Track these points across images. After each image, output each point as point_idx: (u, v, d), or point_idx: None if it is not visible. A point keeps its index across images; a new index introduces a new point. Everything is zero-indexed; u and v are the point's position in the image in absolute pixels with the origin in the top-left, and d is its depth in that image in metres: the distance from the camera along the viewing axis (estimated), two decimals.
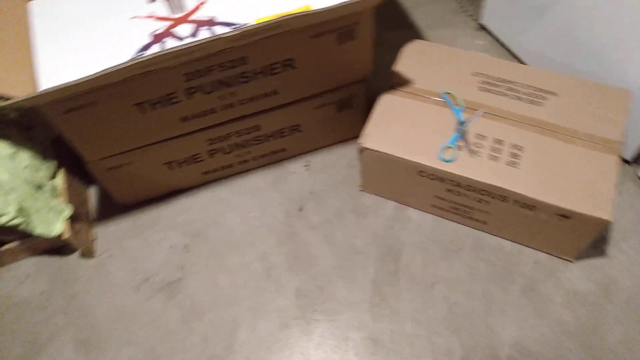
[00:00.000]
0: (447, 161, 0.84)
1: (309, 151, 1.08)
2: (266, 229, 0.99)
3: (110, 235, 1.01)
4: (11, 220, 0.83)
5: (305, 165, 1.07)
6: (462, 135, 0.86)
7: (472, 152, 0.85)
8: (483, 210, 0.88)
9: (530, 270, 0.91)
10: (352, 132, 1.06)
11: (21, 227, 0.85)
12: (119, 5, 0.86)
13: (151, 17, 0.83)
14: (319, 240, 0.97)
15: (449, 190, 0.88)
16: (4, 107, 0.69)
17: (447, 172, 0.83)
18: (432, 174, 0.86)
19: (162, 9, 0.85)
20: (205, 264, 0.96)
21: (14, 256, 0.97)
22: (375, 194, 1.01)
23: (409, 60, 0.97)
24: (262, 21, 0.79)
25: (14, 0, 0.85)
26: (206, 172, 1.02)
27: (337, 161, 1.07)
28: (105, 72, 0.68)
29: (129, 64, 0.68)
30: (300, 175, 1.06)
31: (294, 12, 0.79)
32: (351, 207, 1.00)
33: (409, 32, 1.27)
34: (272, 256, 0.96)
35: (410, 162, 0.85)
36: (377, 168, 0.92)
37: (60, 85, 0.67)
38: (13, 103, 0.66)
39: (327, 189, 1.03)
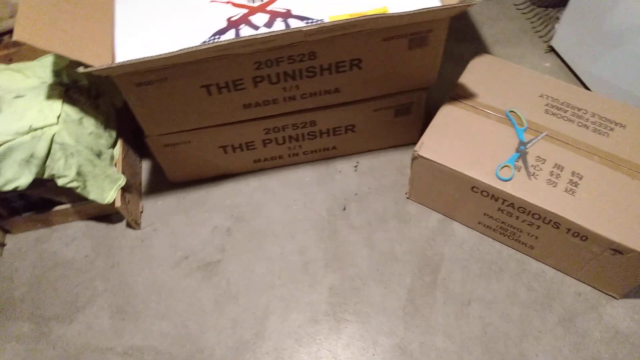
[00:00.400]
0: (503, 180, 0.82)
1: (359, 152, 1.08)
2: (308, 223, 1.00)
3: (157, 209, 1.03)
4: (69, 182, 0.86)
5: (354, 166, 1.07)
6: (521, 155, 0.85)
7: (530, 174, 0.83)
8: (532, 234, 0.87)
9: (571, 301, 0.89)
10: (405, 138, 1.06)
11: (77, 190, 0.88)
12: None
13: (229, 2, 0.85)
14: (359, 241, 0.97)
15: (500, 210, 0.86)
16: (83, 74, 0.71)
17: (502, 191, 0.82)
18: (485, 191, 0.84)
19: None
20: (244, 249, 0.97)
21: (63, 218, 1.00)
22: (421, 204, 1.00)
23: (476, 73, 0.96)
24: (336, 19, 0.79)
25: None
26: (257, 161, 1.03)
27: (386, 166, 1.06)
28: (181, 52, 0.69)
29: (205, 47, 0.69)
30: (347, 175, 1.06)
31: (370, 14, 0.80)
32: (395, 213, 1.00)
33: (476, 45, 1.26)
34: (310, 250, 0.96)
35: (466, 176, 0.84)
36: (429, 178, 0.91)
37: (136, 59, 0.69)
38: (93, 71, 0.68)
39: (373, 192, 1.03)
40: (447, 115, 0.91)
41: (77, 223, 1.02)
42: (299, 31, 0.70)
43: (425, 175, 0.91)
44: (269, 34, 0.69)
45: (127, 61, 0.70)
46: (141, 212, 1.02)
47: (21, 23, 0.69)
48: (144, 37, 0.81)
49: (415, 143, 1.03)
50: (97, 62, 0.74)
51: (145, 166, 1.10)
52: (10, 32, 1.01)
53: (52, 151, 0.83)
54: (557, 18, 1.24)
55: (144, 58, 0.70)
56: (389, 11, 0.82)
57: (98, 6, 0.83)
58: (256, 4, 0.85)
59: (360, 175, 1.05)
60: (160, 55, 0.69)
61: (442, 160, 0.86)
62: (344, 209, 1.01)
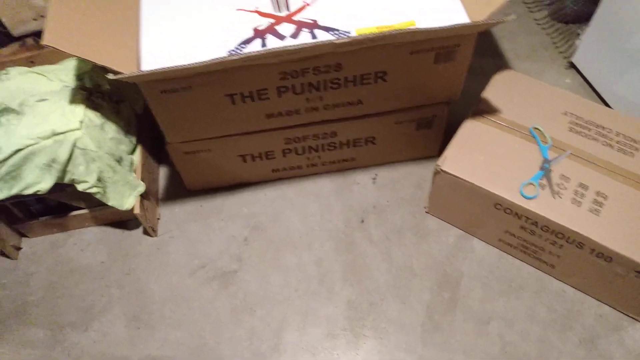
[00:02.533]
0: (528, 198, 0.82)
1: (377, 164, 1.07)
2: (325, 234, 0.99)
3: (174, 216, 1.03)
4: (90, 188, 0.85)
5: (372, 178, 1.06)
6: (546, 173, 0.84)
7: (555, 193, 0.82)
8: (554, 253, 0.86)
9: (593, 322, 0.87)
10: (425, 151, 1.05)
11: (97, 196, 0.87)
12: None
13: (256, 11, 0.85)
14: (377, 255, 0.96)
15: (523, 228, 0.85)
16: (105, 78, 0.71)
17: (526, 209, 0.81)
18: (509, 209, 0.84)
19: (267, 5, 0.86)
20: (261, 259, 0.96)
21: (80, 223, 1.00)
22: (441, 218, 0.99)
23: (499, 88, 0.96)
24: (363, 32, 0.79)
25: None
26: (275, 170, 1.03)
27: (405, 179, 1.05)
28: (212, 62, 0.69)
29: (235, 58, 0.69)
30: (365, 187, 1.05)
31: (398, 27, 0.80)
32: (413, 227, 0.99)
33: (496, 60, 1.25)
34: (327, 262, 0.95)
35: (489, 192, 0.83)
36: (450, 193, 0.90)
37: (165, 68, 0.69)
38: (122, 78, 0.68)
39: (391, 205, 1.02)
40: (471, 130, 0.91)
41: (93, 228, 1.02)
42: (329, 43, 0.69)
43: (447, 190, 0.91)
44: (300, 46, 0.69)
45: (157, 70, 0.70)
46: (158, 219, 1.02)
47: (50, 28, 0.69)
48: (169, 43, 0.81)
49: (434, 157, 1.04)
50: (123, 67, 0.74)
51: (162, 172, 1.09)
52: (32, 34, 1.01)
53: (73, 156, 0.82)
54: (578, 34, 1.23)
55: (173, 67, 0.70)
56: (417, 25, 0.81)
57: (124, 12, 0.82)
58: (283, 14, 0.84)
59: (379, 188, 1.05)
60: (189, 65, 0.69)
61: (465, 176, 0.85)
62: (362, 222, 1.00)
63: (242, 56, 0.68)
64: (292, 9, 0.85)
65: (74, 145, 0.81)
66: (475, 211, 0.90)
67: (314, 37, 0.81)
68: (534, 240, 0.86)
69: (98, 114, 0.87)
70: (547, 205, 0.81)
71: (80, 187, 0.85)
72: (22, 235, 1.00)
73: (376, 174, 1.07)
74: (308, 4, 0.85)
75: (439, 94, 0.91)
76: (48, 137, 0.80)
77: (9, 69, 0.91)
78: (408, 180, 1.05)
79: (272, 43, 0.80)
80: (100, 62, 0.72)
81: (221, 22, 0.83)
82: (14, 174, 0.82)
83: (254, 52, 0.68)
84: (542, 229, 0.83)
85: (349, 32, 0.81)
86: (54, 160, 0.82)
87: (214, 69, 0.72)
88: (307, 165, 1.03)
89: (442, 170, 0.86)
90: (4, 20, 0.95)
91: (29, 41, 1.00)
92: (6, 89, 0.88)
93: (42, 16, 0.97)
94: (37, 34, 1.01)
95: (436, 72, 0.85)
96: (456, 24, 0.71)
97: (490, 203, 0.85)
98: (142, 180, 0.95)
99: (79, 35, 0.72)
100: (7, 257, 0.98)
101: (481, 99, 0.94)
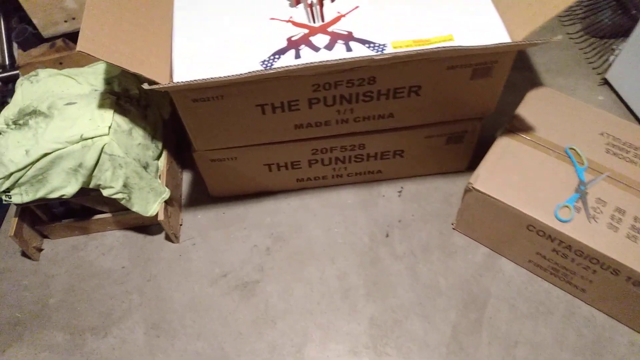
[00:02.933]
0: (562, 221, 0.79)
1: (404, 177, 1.05)
2: (349, 247, 0.97)
3: (197, 223, 1.01)
4: (115, 193, 0.84)
5: (398, 191, 1.04)
6: (581, 196, 0.81)
7: (590, 217, 0.80)
8: (586, 278, 0.83)
9: (624, 351, 0.84)
10: (454, 166, 1.03)
11: (122, 202, 0.86)
12: (260, 3, 0.86)
13: (290, 21, 0.83)
14: (402, 271, 0.94)
15: (555, 251, 0.83)
16: (134, 83, 0.69)
17: (561, 232, 0.79)
18: (542, 231, 0.81)
19: (301, 15, 0.84)
20: (284, 270, 0.95)
21: (102, 227, 0.99)
22: (468, 236, 0.97)
23: (533, 106, 0.93)
24: (399, 45, 0.77)
25: None
26: (300, 180, 1.01)
27: (432, 193, 1.03)
28: (247, 76, 0.67)
29: (272, 72, 0.67)
30: (391, 200, 1.03)
31: (436, 41, 0.78)
32: (440, 244, 0.97)
33: (528, 74, 1.22)
34: (351, 277, 0.94)
35: (522, 213, 0.81)
36: (480, 211, 0.88)
37: (200, 80, 0.67)
38: (157, 88, 0.67)
39: (417, 220, 1.00)
40: (504, 148, 0.88)
41: (115, 232, 1.01)
42: (368, 59, 0.67)
43: (477, 208, 0.88)
44: (336, 62, 0.67)
45: (192, 82, 0.69)
46: (181, 224, 1.01)
47: (85, 34, 0.68)
48: (202, 52, 0.80)
49: (463, 171, 1.01)
50: (156, 76, 0.73)
51: (185, 178, 1.08)
52: (62, 36, 1.01)
53: (100, 162, 0.82)
54: (613, 50, 1.20)
55: (207, 80, 0.68)
56: (455, 39, 0.79)
57: (157, 19, 0.81)
58: (317, 25, 0.83)
59: (405, 201, 1.03)
60: (223, 78, 0.68)
61: (498, 195, 0.83)
62: (387, 236, 0.98)
63: (277, 71, 0.66)
64: (327, 19, 0.83)
65: (102, 151, 0.81)
66: (505, 231, 0.88)
67: (348, 49, 0.79)
68: (566, 264, 0.84)
69: (126, 119, 0.86)
70: (582, 230, 0.78)
71: (105, 193, 0.84)
72: (44, 236, 1.00)
73: (402, 187, 1.05)
74: (343, 15, 0.83)
75: (473, 109, 0.89)
76: (76, 142, 0.80)
77: (38, 70, 0.91)
78: (435, 194, 1.03)
79: (306, 54, 0.79)
80: (134, 70, 0.71)
81: (254, 31, 0.82)
82: (40, 178, 0.82)
83: (290, 66, 0.67)
84: (575, 253, 0.80)
85: (384, 45, 0.79)
86: (80, 165, 0.81)
87: (247, 80, 0.71)
88: (333, 175, 1.01)
89: (474, 188, 0.84)
90: (35, 21, 0.95)
91: (59, 43, 1.00)
92: (35, 91, 0.87)
93: (73, 18, 0.96)
94: (67, 36, 1.00)
95: (472, 87, 0.83)
96: (498, 44, 0.69)
97: (523, 224, 0.83)
98: (167, 186, 0.94)
99: (113, 42, 0.71)
100: (29, 258, 0.98)
101: (515, 115, 0.92)
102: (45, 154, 0.79)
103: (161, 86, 0.67)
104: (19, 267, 0.98)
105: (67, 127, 0.81)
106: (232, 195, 1.04)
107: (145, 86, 0.67)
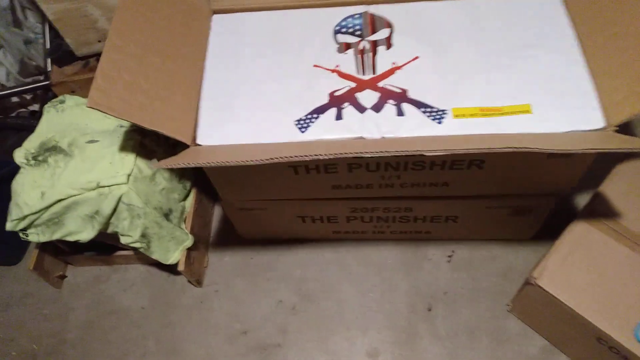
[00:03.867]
0: None
1: (456, 239, 0.92)
2: (384, 317, 0.86)
3: (222, 266, 0.94)
4: (133, 242, 0.78)
5: (448, 256, 0.91)
6: None
7: None
8: None
9: None
10: (516, 234, 0.89)
11: (140, 250, 0.80)
12: (305, 45, 0.75)
13: (336, 71, 0.71)
14: (442, 355, 0.82)
15: None
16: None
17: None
18: (615, 348, 0.67)
19: (350, 64, 0.72)
20: (309, 337, 0.86)
21: (125, 260, 0.94)
22: (525, 322, 0.83)
23: (623, 183, 0.77)
24: (462, 112, 0.64)
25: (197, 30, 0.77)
26: (336, 232, 0.91)
27: (488, 263, 0.90)
28: (274, 160, 0.56)
29: (293, 160, 0.56)
30: (438, 266, 0.91)
31: (509, 111, 0.64)
32: (490, 328, 0.84)
33: None
34: (383, 355, 0.83)
35: (593, 325, 0.67)
36: (542, 307, 0.75)
37: (219, 162, 0.57)
38: (172, 166, 0.58)
39: (467, 295, 0.87)
40: (580, 237, 0.73)
41: (138, 266, 0.96)
42: (416, 154, 0.55)
43: (539, 303, 0.75)
44: (373, 155, 0.55)
45: (211, 163, 0.59)
46: (205, 266, 0.94)
47: (98, 85, 0.60)
48: (231, 103, 0.70)
49: (526, 240, 0.88)
50: (178, 133, 0.65)
51: (217, 212, 1.01)
52: (96, 54, 0.95)
53: (118, 210, 0.75)
54: None
55: (226, 162, 0.57)
56: (532, 110, 0.65)
57: (185, 66, 0.72)
58: (367, 77, 0.70)
59: (454, 269, 0.90)
60: (243, 162, 0.57)
61: (565, 298, 0.69)
62: (429, 310, 0.86)
63: (303, 159, 0.55)
64: (379, 70, 0.71)
65: (119, 200, 0.74)
66: (570, 334, 0.74)
67: (399, 112, 0.67)
68: None
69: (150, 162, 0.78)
70: None
71: (123, 240, 0.78)
72: (68, 263, 0.97)
73: (453, 251, 0.92)
74: (398, 67, 0.71)
75: (547, 187, 0.74)
76: (92, 189, 0.73)
77: (66, 97, 0.85)
78: (491, 265, 0.90)
79: (350, 115, 0.67)
80: (153, 127, 0.63)
81: (294, 80, 0.71)
82: (56, 221, 0.77)
83: (319, 156, 0.55)
84: None
85: (444, 112, 0.66)
86: (97, 213, 0.75)
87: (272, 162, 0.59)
88: (374, 231, 0.90)
89: (537, 284, 0.71)
90: (68, 41, 0.89)
91: (92, 62, 0.94)
92: (59, 122, 0.82)
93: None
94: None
95: (548, 165, 0.68)
96: (585, 149, 0.54)
97: (592, 335, 0.69)
98: (192, 227, 0.87)
99: (131, 95, 0.63)
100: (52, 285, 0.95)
101: (597, 194, 0.76)
102: (60, 200, 0.73)
103: (176, 164, 0.58)
104: (41, 294, 0.95)
105: (85, 170, 0.74)
106: (263, 239, 0.96)
107: (154, 164, 0.58)
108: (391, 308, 0.87)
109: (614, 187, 0.77)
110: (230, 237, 0.97)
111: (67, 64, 0.94)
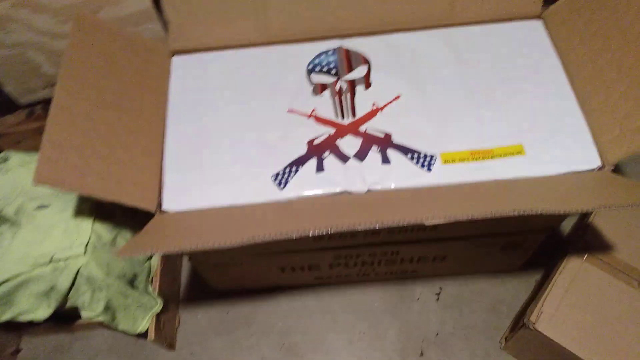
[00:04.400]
0: None
1: (443, 276, 0.89)
2: None
3: (196, 324, 0.87)
4: (96, 317, 0.70)
5: (436, 294, 0.87)
6: None
7: None
8: None
9: None
10: (506, 266, 0.86)
11: (104, 323, 0.72)
12: (276, 87, 0.68)
13: (312, 116, 0.65)
14: None
15: None
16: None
17: None
18: None
19: (327, 107, 0.66)
20: None
21: (89, 326, 0.85)
22: None
23: (611, 215, 0.75)
24: (451, 159, 0.60)
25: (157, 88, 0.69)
26: (319, 278, 0.85)
27: (477, 298, 0.86)
28: (229, 246, 0.49)
29: (263, 240, 0.49)
30: (427, 305, 0.86)
31: (500, 153, 0.60)
32: None
33: None
34: None
35: None
36: (539, 349, 0.71)
37: (191, 248, 0.50)
38: (142, 254, 0.51)
39: (459, 334, 0.83)
40: (574, 275, 0.71)
41: (103, 332, 0.87)
42: (417, 226, 0.50)
43: (535, 345, 0.72)
44: (372, 225, 0.49)
45: (178, 249, 0.50)
46: (177, 326, 0.86)
47: (46, 155, 0.52)
48: (199, 159, 0.63)
49: (515, 271, 0.85)
50: (140, 201, 0.57)
51: (185, 262, 0.93)
52: (42, 102, 0.85)
53: (76, 284, 0.67)
54: None
55: (197, 247, 0.50)
56: (525, 151, 0.61)
57: (144, 127, 0.64)
58: (347, 121, 0.65)
59: (444, 308, 0.86)
60: (210, 247, 0.49)
61: (565, 342, 0.66)
62: (421, 355, 0.82)
63: (288, 236, 0.49)
64: (359, 113, 0.66)
65: (77, 274, 0.66)
66: None
67: (385, 159, 0.62)
68: None
69: (109, 224, 0.70)
70: None
71: (84, 315, 0.70)
72: (23, 334, 0.87)
73: (440, 288, 0.88)
74: (380, 109, 0.66)
75: (539, 224, 0.71)
76: (45, 264, 0.65)
77: (8, 154, 0.76)
78: (480, 300, 0.86)
79: (332, 166, 0.62)
80: (112, 198, 0.55)
81: (267, 127, 0.65)
82: (4, 301, 0.67)
83: (307, 231, 0.49)
84: None
85: (432, 157, 0.61)
86: (52, 289, 0.66)
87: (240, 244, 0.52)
88: (357, 274, 0.85)
89: (535, 328, 0.67)
90: (7, 89, 0.79)
91: (38, 110, 0.84)
92: (3, 186, 0.72)
93: (52, 85, 0.80)
94: (48, 101, 0.84)
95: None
96: (594, 207, 0.50)
97: None
98: (161, 286, 0.79)
99: (83, 161, 0.55)
100: None
101: (588, 227, 0.74)
102: (8, 279, 0.65)
103: (139, 251, 0.50)
104: None
105: (36, 242, 0.66)
106: (238, 290, 0.89)
107: (117, 254, 0.51)
108: (382, 356, 0.82)
109: (604, 219, 0.75)
110: (202, 290, 0.89)
111: (9, 113, 0.84)
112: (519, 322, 0.78)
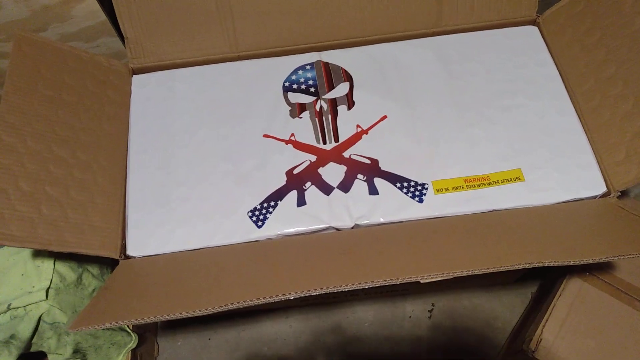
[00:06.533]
0: None
1: (436, 291, 0.85)
2: None
3: (176, 353, 0.82)
4: None
5: (429, 311, 0.83)
6: None
7: None
8: None
9: None
10: (501, 281, 0.82)
11: None
12: (250, 108, 0.62)
13: (291, 141, 0.59)
14: None
15: None
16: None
17: None
18: None
19: (306, 131, 0.60)
20: None
21: None
22: None
23: None
24: (443, 187, 0.55)
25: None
26: (305, 300, 0.81)
27: (471, 314, 0.83)
28: (225, 307, 0.43)
29: (235, 307, 0.43)
30: (419, 323, 0.82)
31: (497, 179, 0.55)
32: None
33: None
34: None
35: None
36: None
37: (163, 316, 0.44)
38: (100, 328, 0.44)
39: (453, 353, 0.80)
40: (575, 296, 0.67)
41: None
42: (414, 283, 0.45)
43: None
44: (366, 285, 0.44)
45: (148, 318, 0.44)
46: (156, 356, 0.81)
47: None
48: (168, 199, 0.57)
49: (509, 284, 0.82)
50: (102, 250, 0.51)
51: None
52: None
53: (39, 330, 0.61)
54: None
55: (169, 315, 0.43)
56: (524, 176, 0.56)
57: (102, 163, 0.57)
58: (328, 146, 0.59)
59: (437, 326, 0.82)
60: (193, 311, 0.43)
61: None
62: None
63: (266, 300, 0.43)
64: (342, 136, 0.60)
65: (40, 320, 0.60)
66: None
67: (372, 190, 0.56)
68: None
69: (73, 263, 0.64)
70: None
71: (51, 359, 0.65)
72: None
73: (433, 305, 0.84)
74: (365, 131, 0.60)
75: None
76: (2, 313, 0.59)
77: None
78: (473, 315, 0.82)
79: (314, 199, 0.56)
80: (69, 249, 0.49)
81: (241, 155, 0.59)
82: None
83: (289, 295, 0.43)
84: None
85: (424, 186, 0.56)
86: (13, 337, 0.61)
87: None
88: (346, 295, 0.81)
89: (534, 357, 0.64)
90: None
91: None
92: None
93: None
94: None
95: None
96: (607, 257, 0.45)
97: None
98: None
99: (33, 209, 0.49)
100: None
101: None
102: None
103: (95, 323, 0.44)
104: None
105: None
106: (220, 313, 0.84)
107: (70, 328, 0.44)
108: None
109: None
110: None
111: None
112: (515, 340, 0.75)
